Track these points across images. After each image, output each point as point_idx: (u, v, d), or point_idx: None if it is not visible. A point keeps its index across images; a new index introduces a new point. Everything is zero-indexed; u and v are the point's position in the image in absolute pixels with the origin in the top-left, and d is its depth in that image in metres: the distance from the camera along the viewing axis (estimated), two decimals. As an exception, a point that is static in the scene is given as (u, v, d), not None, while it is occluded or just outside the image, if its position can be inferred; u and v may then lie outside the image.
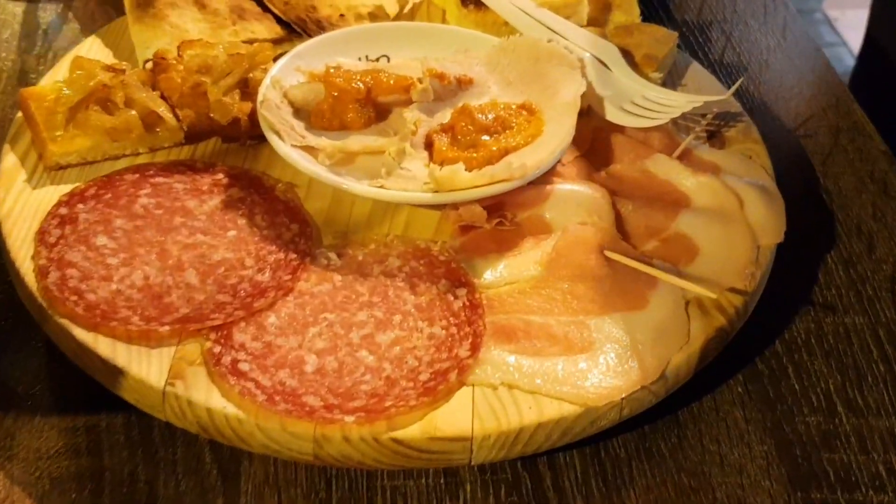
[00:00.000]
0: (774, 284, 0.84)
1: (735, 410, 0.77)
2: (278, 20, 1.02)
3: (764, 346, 0.83)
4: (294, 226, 0.82)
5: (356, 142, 0.85)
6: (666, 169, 0.87)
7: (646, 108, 0.91)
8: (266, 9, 1.02)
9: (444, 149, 0.83)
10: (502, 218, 0.83)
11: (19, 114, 0.89)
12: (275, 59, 0.92)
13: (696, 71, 1.03)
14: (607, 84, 0.93)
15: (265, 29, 1.00)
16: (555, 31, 0.97)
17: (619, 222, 0.84)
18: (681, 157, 0.89)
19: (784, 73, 1.14)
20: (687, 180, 0.86)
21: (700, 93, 1.00)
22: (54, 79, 0.93)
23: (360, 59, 0.95)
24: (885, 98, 1.32)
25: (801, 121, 1.07)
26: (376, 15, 1.03)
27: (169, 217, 0.82)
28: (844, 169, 1.01)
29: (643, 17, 1.06)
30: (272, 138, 0.83)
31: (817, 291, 0.88)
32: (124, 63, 0.92)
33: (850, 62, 3.92)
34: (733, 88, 0.94)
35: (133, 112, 0.86)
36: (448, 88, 0.90)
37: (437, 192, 0.80)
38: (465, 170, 0.80)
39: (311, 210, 0.85)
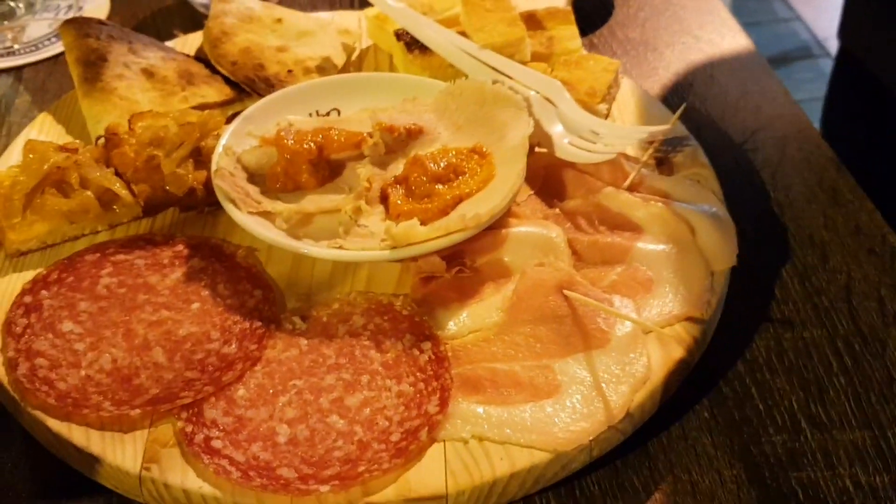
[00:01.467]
0: (732, 304, 0.86)
1: (703, 437, 0.79)
2: (227, 81, 1.03)
3: (727, 369, 0.84)
4: (257, 292, 0.83)
5: (312, 203, 0.87)
6: (618, 202, 0.89)
7: (594, 143, 0.93)
8: (215, 71, 1.03)
9: (399, 202, 0.85)
10: (461, 266, 0.84)
11: (-26, 202, 0.89)
12: (226, 121, 0.93)
13: (642, 97, 1.05)
14: (554, 120, 0.94)
15: (215, 91, 1.01)
16: (499, 72, 0.98)
17: (576, 259, 0.86)
18: (632, 188, 0.91)
19: (729, 87, 1.16)
20: (639, 211, 0.88)
21: (647, 119, 1.02)
22: (7, 164, 0.94)
23: (310, 114, 0.97)
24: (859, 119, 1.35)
25: (748, 133, 1.09)
26: (324, 67, 1.04)
27: (132, 295, 0.83)
28: (794, 179, 1.03)
29: (588, 42, 1.07)
30: (228, 207, 0.84)
31: (775, 307, 0.90)
32: (77, 141, 0.93)
33: (806, 35, 3.99)
34: (676, 116, 0.96)
35: (89, 192, 0.87)
36: (399, 140, 0.91)
37: (395, 248, 0.81)
38: (421, 223, 0.81)
39: (273, 273, 0.86)
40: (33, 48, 1.23)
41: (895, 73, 1.27)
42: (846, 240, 0.96)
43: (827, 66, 3.80)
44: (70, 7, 1.30)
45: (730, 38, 1.24)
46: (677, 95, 1.15)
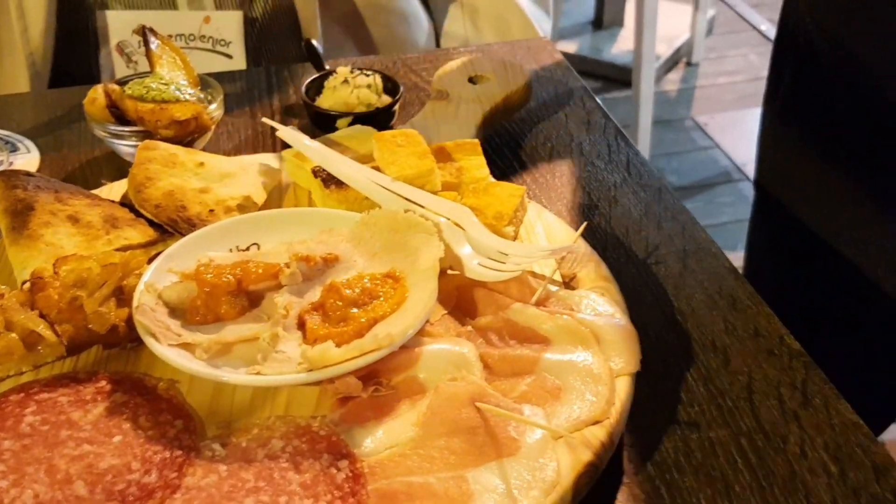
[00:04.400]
0: (642, 409, 0.90)
1: (617, 538, 0.82)
2: (151, 223, 1.07)
3: (637, 471, 0.88)
4: (178, 422, 0.85)
5: (231, 333, 0.90)
6: (525, 316, 0.94)
7: (501, 263, 0.98)
8: (139, 214, 1.08)
9: (315, 327, 0.89)
10: (378, 385, 0.88)
11: None
12: (149, 261, 0.97)
13: (547, 219, 1.12)
14: (463, 243, 1.00)
15: (138, 234, 1.05)
16: (412, 201, 1.04)
17: (488, 372, 0.90)
18: (539, 303, 0.96)
19: (631, 207, 1.24)
20: (545, 324, 0.93)
21: (552, 239, 1.08)
22: (-67, 310, 0.96)
23: (230, 250, 1.01)
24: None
25: (651, 249, 1.16)
26: (245, 206, 1.09)
27: (55, 432, 0.84)
28: (695, 289, 1.09)
29: (498, 170, 1.15)
30: (149, 341, 0.87)
31: (681, 410, 0.94)
32: (3, 287, 0.95)
33: (726, 162, 4.20)
34: (578, 233, 1.02)
35: (13, 335, 0.89)
36: (315, 269, 0.96)
37: (311, 370, 0.84)
38: (336, 345, 0.85)
39: (194, 403, 0.88)
40: (-36, 202, 1.26)
41: (808, 211, 1.36)
42: (746, 343, 1.02)
43: (747, 188, 3.99)
44: (1, 163, 1.35)
45: (631, 165, 1.33)
46: (584, 216, 1.22)
